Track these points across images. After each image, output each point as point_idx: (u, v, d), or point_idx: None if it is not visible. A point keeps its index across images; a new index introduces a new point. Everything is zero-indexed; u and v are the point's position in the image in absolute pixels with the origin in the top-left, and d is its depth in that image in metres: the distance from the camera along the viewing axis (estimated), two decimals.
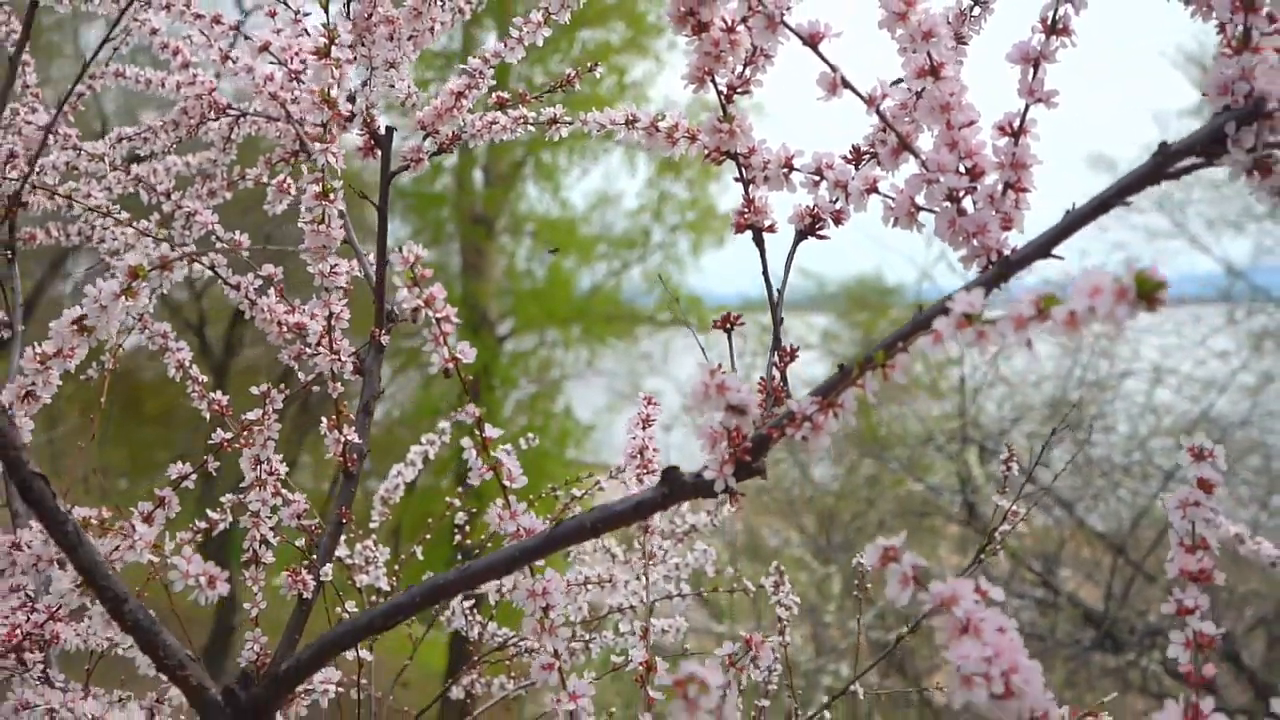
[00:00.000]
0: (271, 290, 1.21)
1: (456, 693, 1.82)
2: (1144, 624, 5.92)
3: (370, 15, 1.19)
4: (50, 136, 1.49)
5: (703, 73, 0.81)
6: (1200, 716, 0.63)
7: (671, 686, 0.59)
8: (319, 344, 1.15)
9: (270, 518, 1.14)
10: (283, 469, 1.15)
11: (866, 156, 0.85)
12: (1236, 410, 7.27)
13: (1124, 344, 7.42)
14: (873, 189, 0.83)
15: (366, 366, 1.20)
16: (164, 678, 0.91)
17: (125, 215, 1.54)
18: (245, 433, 1.11)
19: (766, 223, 0.88)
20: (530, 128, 1.36)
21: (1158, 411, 7.28)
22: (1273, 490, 6.98)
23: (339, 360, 1.15)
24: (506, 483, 0.83)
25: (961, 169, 0.75)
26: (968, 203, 0.75)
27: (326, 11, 1.05)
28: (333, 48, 1.04)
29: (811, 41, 0.78)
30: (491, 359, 9.11)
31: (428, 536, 1.87)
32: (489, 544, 1.88)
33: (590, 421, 9.82)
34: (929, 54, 0.75)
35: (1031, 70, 0.74)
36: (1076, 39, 0.73)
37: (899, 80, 0.79)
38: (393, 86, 1.26)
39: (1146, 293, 0.51)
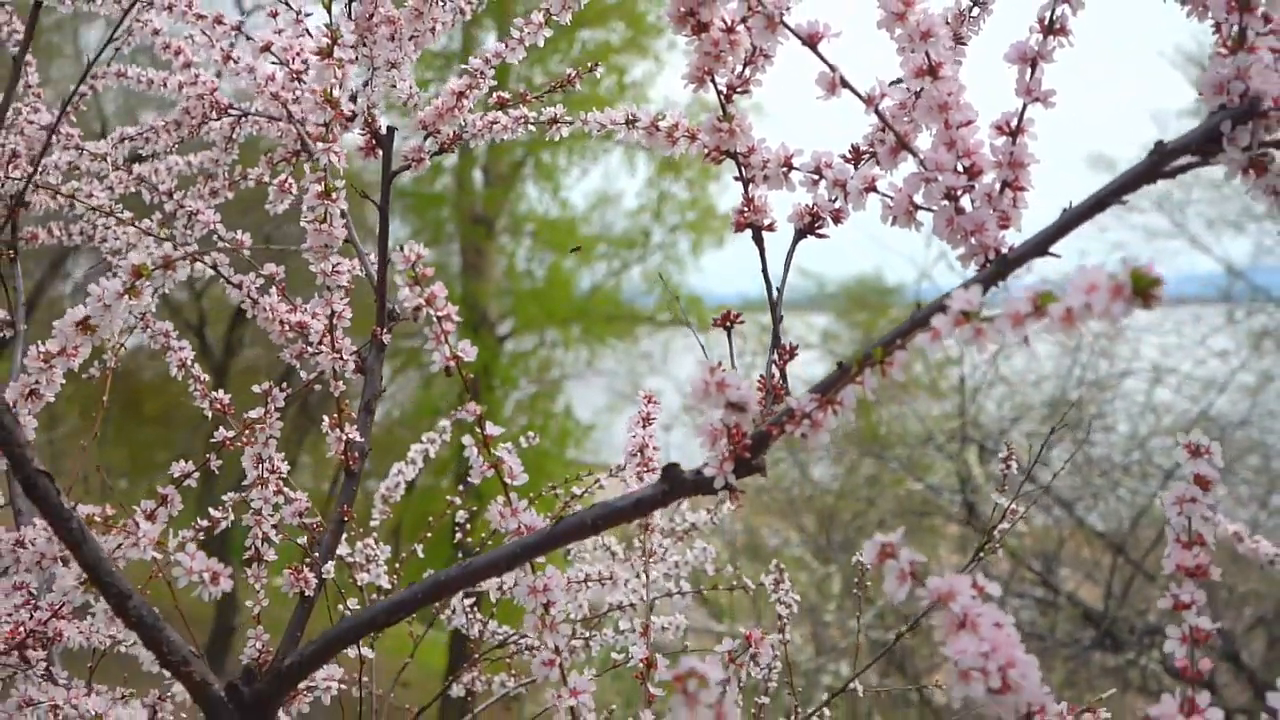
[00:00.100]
0: (273, 289, 1.21)
1: (457, 690, 1.83)
2: (1144, 623, 5.92)
3: (372, 15, 1.20)
4: (52, 136, 1.49)
5: (702, 72, 0.82)
6: (1196, 711, 0.64)
7: (671, 681, 0.60)
8: (321, 343, 1.16)
9: (272, 515, 1.14)
10: (284, 467, 1.16)
11: (865, 156, 0.85)
12: (1236, 410, 7.28)
13: (1124, 343, 7.43)
14: (871, 188, 0.83)
15: (368, 365, 1.20)
16: (167, 675, 0.92)
17: (128, 215, 1.54)
18: (247, 431, 1.12)
19: (766, 221, 0.89)
20: (531, 127, 1.37)
21: (1157, 411, 7.29)
22: (1272, 489, 6.99)
23: (341, 359, 1.15)
24: (508, 480, 0.84)
25: (959, 168, 0.76)
26: (966, 201, 0.76)
27: (329, 11, 1.06)
28: (335, 47, 1.04)
29: (810, 41, 0.79)
30: (491, 359, 9.12)
31: (428, 535, 1.88)
32: (489, 542, 1.88)
33: (590, 421, 9.82)
34: (927, 54, 0.75)
35: (1029, 70, 0.74)
36: (1074, 39, 0.74)
37: (898, 80, 0.80)
38: (394, 86, 1.27)
39: (1142, 289, 0.52)
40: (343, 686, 1.32)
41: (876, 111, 0.80)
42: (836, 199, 0.86)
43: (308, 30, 1.24)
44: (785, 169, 0.88)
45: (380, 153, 1.31)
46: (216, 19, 1.36)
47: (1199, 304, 7.85)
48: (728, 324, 0.94)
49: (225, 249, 1.32)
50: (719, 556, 1.86)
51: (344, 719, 1.55)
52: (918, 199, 0.79)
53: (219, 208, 1.55)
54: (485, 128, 1.36)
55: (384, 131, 1.31)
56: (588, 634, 1.64)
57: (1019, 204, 0.75)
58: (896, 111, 0.80)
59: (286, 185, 1.38)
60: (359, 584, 1.59)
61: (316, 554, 1.15)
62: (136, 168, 1.58)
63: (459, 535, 2.02)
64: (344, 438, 1.17)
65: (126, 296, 0.91)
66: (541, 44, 1.34)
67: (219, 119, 1.52)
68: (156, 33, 1.43)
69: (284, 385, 1.14)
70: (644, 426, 1.08)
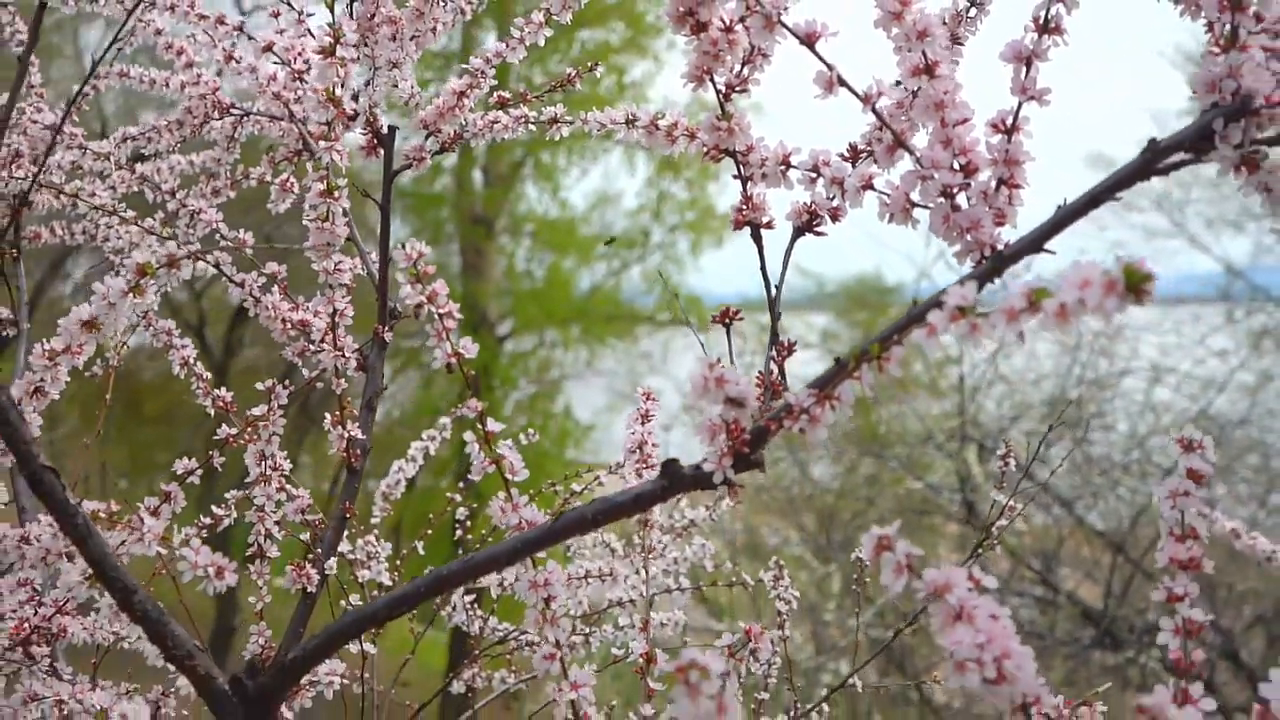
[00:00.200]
0: (276, 288, 1.22)
1: (457, 687, 1.84)
2: (1143, 622, 5.93)
3: (373, 15, 1.20)
4: (56, 136, 1.50)
5: (701, 72, 0.83)
6: (1189, 701, 0.65)
7: (673, 673, 0.60)
8: (323, 340, 1.17)
9: (275, 512, 1.15)
10: (286, 465, 1.17)
11: (863, 154, 0.86)
12: (1235, 409, 7.28)
13: (1123, 342, 7.45)
14: (869, 186, 0.84)
15: (370, 363, 1.21)
16: (171, 670, 0.93)
17: (131, 214, 1.55)
18: (250, 428, 1.12)
19: (764, 219, 0.90)
20: (531, 127, 1.38)
21: (1157, 410, 7.30)
22: (1271, 489, 7.00)
23: (343, 356, 1.16)
24: (509, 476, 0.84)
25: (956, 165, 0.77)
26: (962, 199, 0.77)
27: (332, 11, 1.07)
28: (338, 46, 1.05)
29: (808, 41, 0.80)
30: (491, 359, 9.12)
31: (429, 532, 1.89)
32: (489, 539, 1.89)
33: (590, 421, 9.83)
34: (924, 53, 0.76)
35: (1024, 68, 0.75)
36: (1068, 38, 0.75)
37: (900, 83, 0.80)
38: (396, 86, 1.27)
39: (1134, 284, 0.52)
40: (345, 682, 1.32)
41: (874, 110, 0.81)
42: (834, 197, 0.87)
43: (309, 30, 1.25)
44: (783, 167, 0.88)
45: (382, 152, 1.32)
46: (219, 19, 1.37)
47: (1198, 303, 7.85)
48: (727, 321, 0.95)
49: (228, 248, 1.33)
50: (718, 555, 1.87)
51: (346, 716, 1.55)
52: (914, 196, 0.79)
53: (221, 207, 1.56)
54: (486, 127, 1.37)
55: (385, 131, 1.32)
56: (587, 630, 1.65)
57: (1014, 201, 0.75)
58: (894, 110, 0.80)
59: (288, 184, 1.39)
60: (360, 581, 1.60)
61: (319, 550, 1.16)
62: (139, 167, 1.59)
63: (459, 533, 2.03)
64: (346, 435, 1.17)
65: (131, 295, 0.92)
66: (541, 43, 1.35)
67: (221, 118, 1.53)
68: (159, 32, 1.44)
69: (286, 383, 1.15)
70: (643, 423, 1.09)
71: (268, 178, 1.57)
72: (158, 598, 0.93)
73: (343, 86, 1.07)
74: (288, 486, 1.18)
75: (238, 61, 1.35)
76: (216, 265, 1.23)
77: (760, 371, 0.87)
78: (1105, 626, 5.95)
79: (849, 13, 1.04)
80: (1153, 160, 0.68)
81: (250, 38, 1.36)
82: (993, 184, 0.76)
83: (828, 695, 1.70)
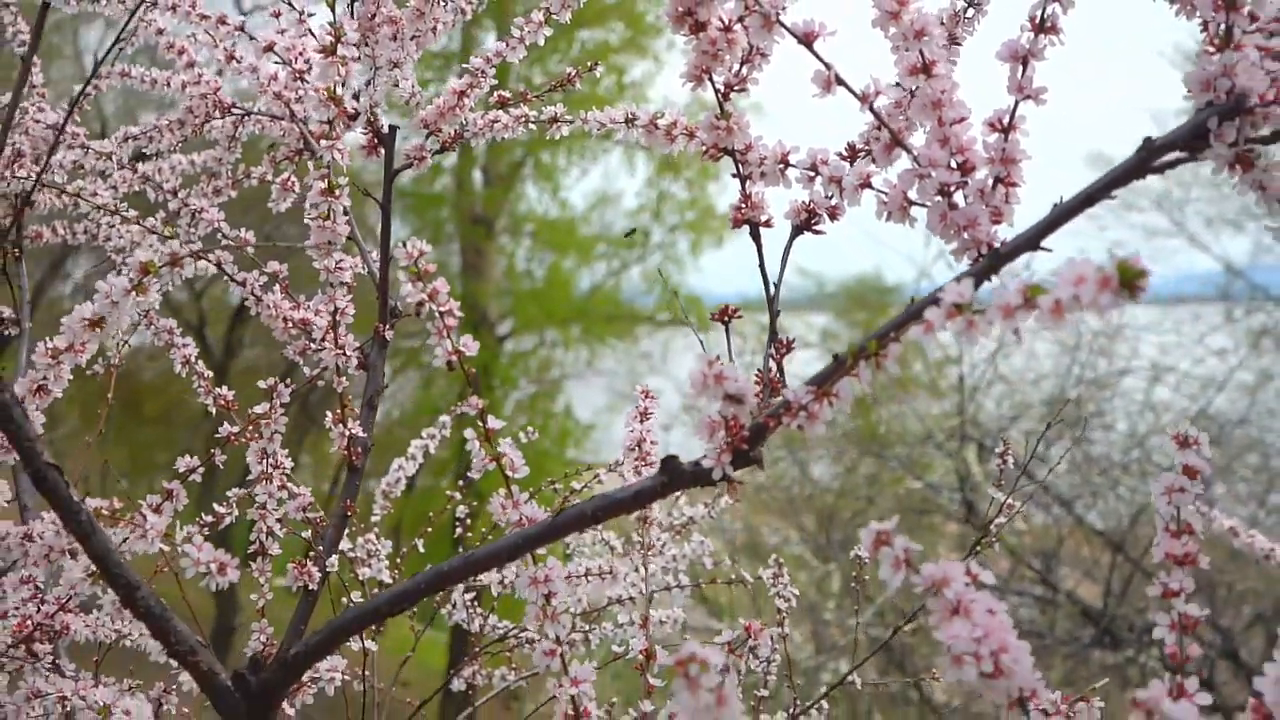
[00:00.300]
0: (277, 287, 1.23)
1: (458, 685, 1.84)
2: (1143, 621, 5.93)
3: (374, 15, 1.21)
4: (59, 135, 1.51)
5: (700, 71, 0.83)
6: (1185, 695, 0.65)
7: (673, 666, 0.61)
8: (324, 339, 1.17)
9: (276, 510, 1.16)
10: (288, 463, 1.17)
11: (861, 153, 0.86)
12: (1235, 408, 7.29)
13: (1122, 342, 7.45)
14: (867, 184, 0.85)
15: (371, 361, 1.22)
16: (173, 667, 0.94)
17: (132, 213, 1.55)
18: (251, 426, 1.13)
19: (763, 218, 0.90)
20: (531, 126, 1.38)
21: (1156, 409, 7.30)
22: (1271, 488, 7.00)
23: (344, 355, 1.16)
24: (509, 473, 0.85)
25: (953, 164, 0.77)
26: (959, 197, 0.77)
27: (333, 10, 1.07)
28: (339, 45, 1.06)
29: (806, 40, 0.80)
30: (491, 359, 9.13)
31: (429, 530, 1.89)
32: (489, 537, 1.89)
33: (590, 421, 9.84)
34: (921, 52, 0.77)
35: (1020, 68, 0.76)
36: (1064, 37, 0.75)
37: (898, 82, 0.81)
38: (396, 86, 1.28)
39: (1128, 281, 0.53)
40: (345, 679, 1.33)
41: (871, 109, 0.81)
42: (833, 195, 0.87)
43: (310, 30, 1.26)
44: (782, 166, 0.89)
45: (382, 151, 1.33)
46: (220, 19, 1.37)
47: (1198, 302, 7.86)
48: (726, 318, 0.95)
49: (229, 247, 1.34)
50: (718, 554, 1.88)
51: (346, 713, 1.56)
52: (912, 195, 0.80)
53: (222, 206, 1.56)
54: (486, 126, 1.38)
55: (386, 130, 1.32)
56: (587, 627, 1.66)
57: (1011, 199, 0.76)
58: (891, 109, 0.81)
59: (289, 183, 1.39)
60: (361, 579, 1.61)
61: (320, 548, 1.17)
62: (141, 166, 1.59)
63: (459, 531, 2.03)
64: (347, 433, 1.18)
65: (134, 293, 0.92)
66: (541, 43, 1.36)
67: (222, 118, 1.53)
68: (160, 32, 1.44)
69: (288, 381, 1.15)
70: (641, 421, 1.09)
71: (269, 177, 1.57)
72: (160, 596, 0.93)
73: (343, 86, 1.08)
74: (289, 485, 1.18)
75: (239, 61, 1.35)
76: (218, 264, 1.23)
77: (759, 369, 0.87)
78: (1105, 626, 5.96)
79: (847, 12, 1.05)
80: (1148, 159, 0.68)
81: (251, 37, 1.36)
82: (990, 182, 0.76)
83: (827, 693, 1.71)
